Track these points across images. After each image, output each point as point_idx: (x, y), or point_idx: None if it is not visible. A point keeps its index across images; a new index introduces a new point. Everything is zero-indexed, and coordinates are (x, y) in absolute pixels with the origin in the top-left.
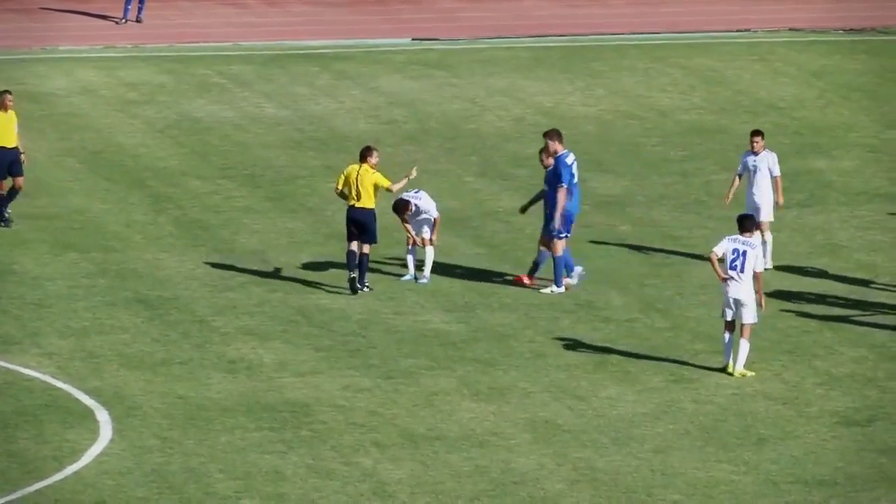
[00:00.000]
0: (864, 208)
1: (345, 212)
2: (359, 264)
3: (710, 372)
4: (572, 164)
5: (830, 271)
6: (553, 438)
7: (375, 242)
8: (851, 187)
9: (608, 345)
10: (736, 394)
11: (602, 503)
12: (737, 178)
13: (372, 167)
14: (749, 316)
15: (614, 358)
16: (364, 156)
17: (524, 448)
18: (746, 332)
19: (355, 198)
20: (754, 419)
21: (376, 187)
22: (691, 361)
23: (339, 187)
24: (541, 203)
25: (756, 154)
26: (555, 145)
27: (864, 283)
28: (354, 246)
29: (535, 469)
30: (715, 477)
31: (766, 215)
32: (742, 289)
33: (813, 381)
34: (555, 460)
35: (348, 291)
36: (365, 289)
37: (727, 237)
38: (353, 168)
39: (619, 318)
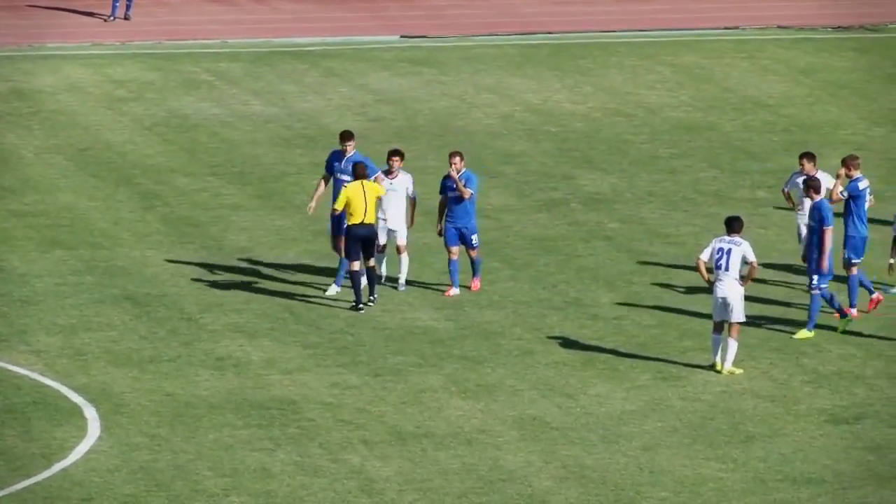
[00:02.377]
0: None
1: (347, 230)
2: (369, 279)
3: (697, 369)
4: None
5: None
6: (541, 436)
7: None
8: None
9: (596, 342)
10: (724, 391)
11: (590, 501)
12: (786, 192)
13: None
14: (737, 315)
15: (602, 355)
16: (363, 174)
17: (512, 445)
18: (734, 330)
19: (363, 215)
20: (742, 417)
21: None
22: (679, 359)
23: (340, 209)
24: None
25: (809, 177)
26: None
27: None
28: (357, 266)
29: (523, 466)
30: (703, 474)
31: None
32: (728, 287)
33: (801, 379)
34: (543, 458)
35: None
36: (370, 303)
37: (714, 238)
38: (356, 186)
39: (607, 316)
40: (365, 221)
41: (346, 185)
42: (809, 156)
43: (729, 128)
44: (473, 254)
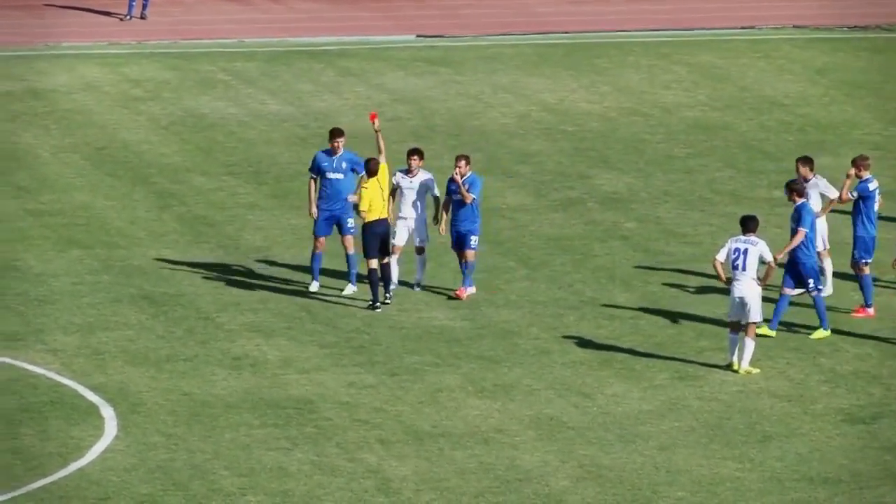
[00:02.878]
0: None
1: (364, 227)
2: (384, 277)
3: (714, 369)
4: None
5: (835, 269)
6: (558, 435)
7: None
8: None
9: (613, 342)
10: (741, 391)
11: (607, 500)
12: None
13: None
14: (754, 314)
15: (619, 355)
16: (376, 170)
17: (529, 445)
18: (751, 330)
19: (380, 210)
20: (759, 416)
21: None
22: (696, 359)
23: (366, 209)
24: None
25: (806, 181)
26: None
27: None
28: (375, 263)
29: (540, 466)
30: (720, 474)
31: (822, 243)
32: (745, 287)
33: (818, 379)
34: (559, 457)
35: (370, 307)
36: (387, 302)
37: (730, 238)
38: (374, 185)
39: (624, 316)
40: (381, 217)
41: (364, 186)
42: (805, 160)
43: (745, 127)
44: (470, 255)
